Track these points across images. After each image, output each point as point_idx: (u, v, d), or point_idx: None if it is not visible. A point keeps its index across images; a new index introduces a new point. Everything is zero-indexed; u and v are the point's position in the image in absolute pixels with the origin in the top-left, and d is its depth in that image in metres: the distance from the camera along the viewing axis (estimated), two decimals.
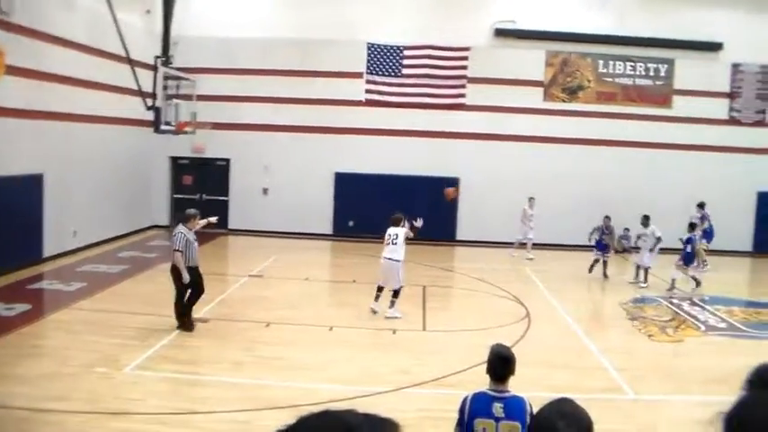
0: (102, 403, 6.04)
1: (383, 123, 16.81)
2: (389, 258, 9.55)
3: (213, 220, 9.20)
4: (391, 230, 9.65)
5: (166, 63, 13.36)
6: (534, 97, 16.91)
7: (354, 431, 0.97)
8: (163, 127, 12.92)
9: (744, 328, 10.15)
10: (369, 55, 16.90)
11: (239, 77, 16.69)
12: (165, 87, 12.93)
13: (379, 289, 9.76)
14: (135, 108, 13.43)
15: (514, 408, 3.35)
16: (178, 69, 14.05)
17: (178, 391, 6.62)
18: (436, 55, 16.88)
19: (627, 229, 15.52)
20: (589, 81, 16.99)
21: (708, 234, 14.55)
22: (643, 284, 12.67)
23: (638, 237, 13.05)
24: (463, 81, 16.85)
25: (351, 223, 16.62)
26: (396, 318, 9.49)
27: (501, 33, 16.84)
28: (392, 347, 8.39)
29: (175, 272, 8.25)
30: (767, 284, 14.30)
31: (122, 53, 12.21)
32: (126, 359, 7.26)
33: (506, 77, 16.78)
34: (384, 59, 16.94)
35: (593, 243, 13.42)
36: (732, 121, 17.15)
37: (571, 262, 14.55)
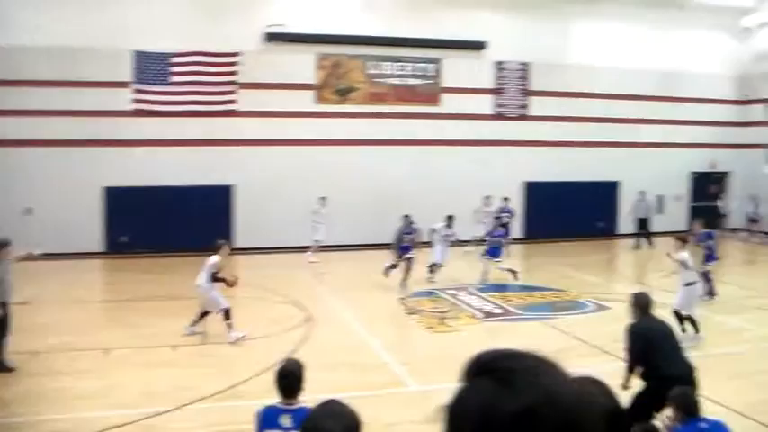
0: None
1: (153, 134, 18.39)
2: (197, 285, 10.46)
3: (36, 252, 9.72)
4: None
5: None
6: (306, 100, 19.18)
7: None
8: None
9: (518, 312, 12.36)
10: (135, 63, 18.37)
11: None
12: None
13: (203, 314, 10.51)
14: None
15: (303, 418, 3.98)
16: None
17: None
18: (205, 61, 18.68)
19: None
20: (360, 82, 19.46)
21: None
22: (434, 280, 14.64)
23: (433, 231, 15.09)
24: (234, 87, 18.80)
25: (124, 239, 18.16)
26: (240, 337, 10.13)
27: (271, 38, 18.89)
28: (173, 364, 9.17)
29: None
30: (538, 268, 17.18)
31: None
32: None
33: (278, 81, 18.90)
34: (151, 67, 18.50)
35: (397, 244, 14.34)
36: (498, 116, 20.30)
37: (353, 263, 16.86)
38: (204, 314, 10.52)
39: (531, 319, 11.95)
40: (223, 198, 18.86)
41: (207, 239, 16.62)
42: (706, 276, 12.38)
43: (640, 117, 21.74)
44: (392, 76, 19.67)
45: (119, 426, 6.92)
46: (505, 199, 18.86)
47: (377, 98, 19.54)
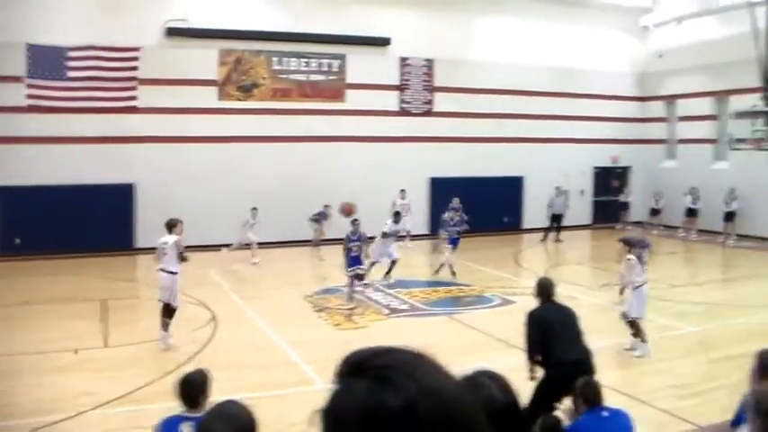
0: None
1: (50, 131, 19.87)
2: (163, 269, 10.68)
3: None
4: (162, 238, 10.80)
5: None
6: (209, 97, 21.13)
7: None
8: None
9: (424, 307, 13.79)
10: (29, 57, 19.82)
11: None
12: None
13: (167, 312, 10.72)
14: None
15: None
16: None
17: None
18: (104, 56, 20.35)
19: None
20: (264, 78, 21.56)
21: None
22: (390, 280, 15.94)
23: (385, 234, 16.26)
24: (134, 83, 20.54)
25: (17, 241, 19.60)
26: (168, 344, 10.58)
27: (173, 32, 20.74)
28: (73, 369, 9.55)
29: None
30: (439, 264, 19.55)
31: None
32: None
33: (180, 77, 20.76)
34: (46, 61, 19.99)
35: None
36: (403, 113, 22.82)
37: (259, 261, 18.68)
38: (170, 311, 10.73)
39: (437, 314, 13.37)
40: (124, 197, 20.51)
41: (107, 239, 18.97)
42: None
43: (544, 113, 24.80)
44: (296, 72, 21.86)
45: None
46: (402, 191, 21.41)
47: (281, 94, 21.66)
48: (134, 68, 20.56)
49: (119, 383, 8.82)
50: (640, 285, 10.67)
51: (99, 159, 20.14)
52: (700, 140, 25.61)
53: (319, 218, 19.61)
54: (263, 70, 21.60)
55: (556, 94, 24.92)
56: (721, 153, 24.76)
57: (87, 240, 19.35)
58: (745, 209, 22.70)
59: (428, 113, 23.28)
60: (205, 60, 21.12)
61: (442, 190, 22.34)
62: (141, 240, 20.16)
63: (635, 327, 10.55)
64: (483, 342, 11.39)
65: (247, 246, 18.93)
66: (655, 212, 25.32)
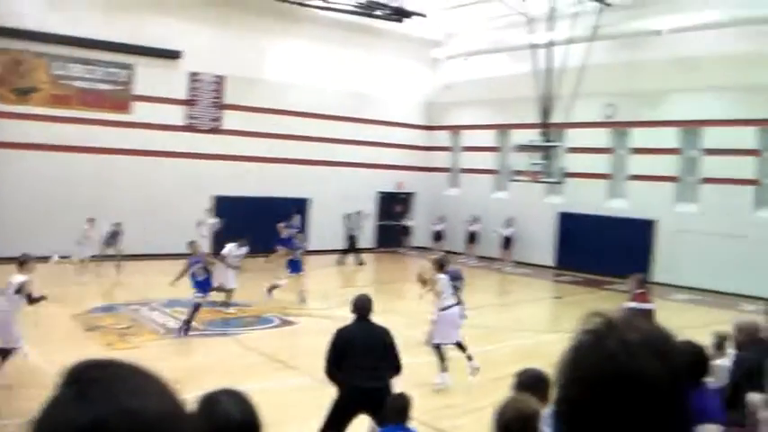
0: None
1: None
2: None
3: None
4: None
5: None
6: None
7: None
8: None
9: (201, 327, 14.60)
10: None
11: None
12: None
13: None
14: None
15: None
16: None
17: None
18: None
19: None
20: (44, 83, 23.08)
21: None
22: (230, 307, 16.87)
23: (224, 256, 17.56)
24: None
25: None
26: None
27: None
28: None
29: None
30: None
31: None
32: None
33: None
34: None
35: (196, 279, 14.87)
36: (190, 128, 25.26)
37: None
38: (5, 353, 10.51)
39: (215, 334, 14.43)
40: None
41: None
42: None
43: (334, 136, 28.31)
44: (80, 78, 23.56)
45: None
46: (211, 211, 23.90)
47: (61, 101, 23.26)
48: None
49: None
50: (446, 308, 11.43)
51: None
52: (482, 171, 30.32)
53: (112, 238, 21.09)
54: (42, 74, 23.07)
55: (346, 118, 28.62)
56: (502, 183, 29.50)
57: None
58: (521, 237, 27.35)
59: (215, 131, 25.88)
60: None
61: (229, 209, 24.87)
62: None
63: (438, 353, 11.31)
64: (261, 363, 12.50)
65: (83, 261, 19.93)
66: (438, 237, 29.44)
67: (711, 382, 7.18)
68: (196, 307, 14.34)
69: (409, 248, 29.63)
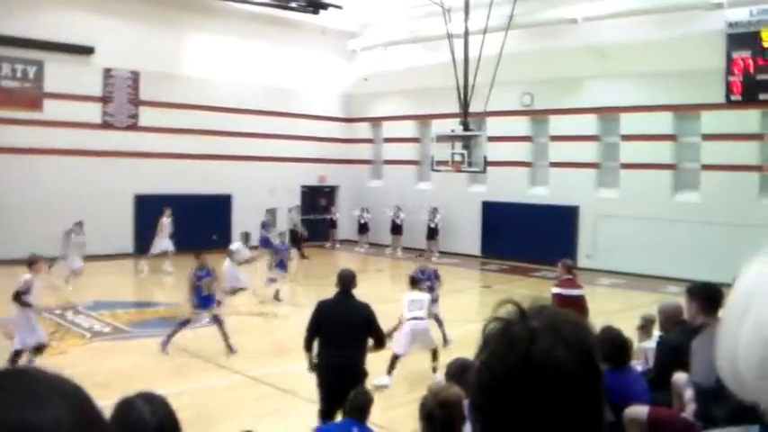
0: None
1: None
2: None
3: None
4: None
5: None
6: None
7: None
8: None
9: (128, 329, 14.68)
10: None
11: None
12: None
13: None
14: None
15: None
16: None
17: None
18: None
19: None
20: None
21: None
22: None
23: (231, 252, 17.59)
24: None
25: None
26: None
27: None
28: None
29: None
30: (145, 283, 21.48)
31: None
32: None
33: None
34: None
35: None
36: (105, 125, 24.67)
37: None
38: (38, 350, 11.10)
39: (143, 336, 14.24)
40: None
41: None
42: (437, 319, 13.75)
43: (254, 131, 28.07)
44: None
45: None
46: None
47: None
48: None
49: None
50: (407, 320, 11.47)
51: None
52: (404, 162, 30.57)
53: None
54: None
55: (266, 112, 28.41)
56: (425, 174, 29.77)
57: None
58: (446, 227, 27.66)
59: (133, 127, 25.35)
60: None
61: (149, 207, 24.40)
62: None
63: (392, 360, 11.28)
64: (190, 363, 12.50)
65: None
66: (363, 229, 29.54)
67: (638, 364, 7.52)
68: (186, 323, 13.43)
69: (337, 242, 29.65)
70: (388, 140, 31.50)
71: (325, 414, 7.81)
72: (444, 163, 24.61)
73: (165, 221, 23.02)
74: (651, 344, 7.90)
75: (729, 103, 20.86)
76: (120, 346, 13.73)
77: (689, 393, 4.94)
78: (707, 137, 21.88)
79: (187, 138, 26.48)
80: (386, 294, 18.52)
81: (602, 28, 23.13)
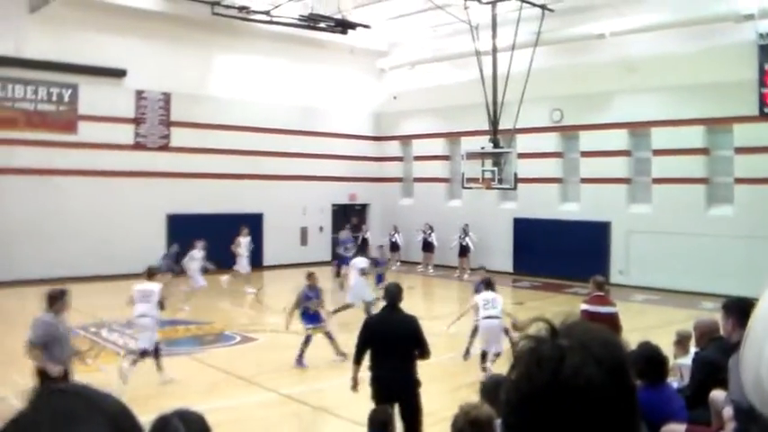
0: None
1: None
2: (144, 316, 12.39)
3: None
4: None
5: None
6: None
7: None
8: None
9: (163, 347, 14.66)
10: None
11: None
12: None
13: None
14: None
15: None
16: None
17: None
18: None
19: None
20: None
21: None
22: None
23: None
24: None
25: None
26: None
27: None
28: None
29: None
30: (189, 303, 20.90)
31: None
32: None
33: None
34: None
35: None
36: (138, 146, 25.00)
37: None
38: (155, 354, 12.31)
39: (177, 354, 14.40)
40: None
41: None
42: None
43: (285, 150, 28.28)
44: (23, 100, 23.15)
45: None
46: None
47: (5, 124, 22.81)
48: None
49: None
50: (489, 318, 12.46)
51: None
52: (434, 179, 30.60)
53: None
54: None
55: (296, 131, 28.67)
56: (455, 191, 29.77)
57: None
58: (478, 244, 27.58)
59: (165, 148, 25.67)
60: None
61: (181, 227, 24.70)
62: None
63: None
64: (223, 380, 12.67)
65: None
66: (394, 248, 29.56)
67: (673, 381, 7.44)
68: (308, 340, 13.56)
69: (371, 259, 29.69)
70: (418, 158, 31.56)
71: None
72: (475, 180, 24.56)
73: (243, 241, 23.20)
74: (687, 360, 7.87)
75: (763, 116, 20.59)
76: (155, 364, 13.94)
77: (728, 412, 4.87)
78: (740, 150, 21.63)
79: (218, 158, 26.76)
80: (419, 311, 19.72)
81: (630, 42, 23.01)
